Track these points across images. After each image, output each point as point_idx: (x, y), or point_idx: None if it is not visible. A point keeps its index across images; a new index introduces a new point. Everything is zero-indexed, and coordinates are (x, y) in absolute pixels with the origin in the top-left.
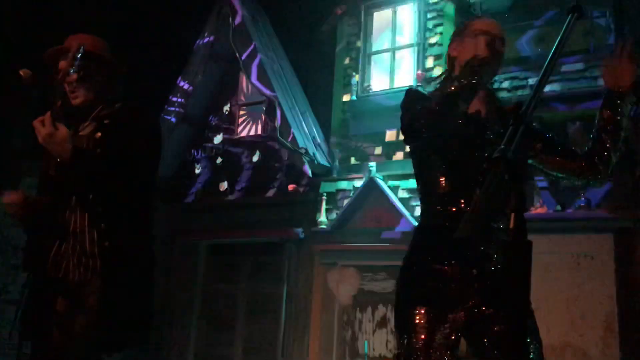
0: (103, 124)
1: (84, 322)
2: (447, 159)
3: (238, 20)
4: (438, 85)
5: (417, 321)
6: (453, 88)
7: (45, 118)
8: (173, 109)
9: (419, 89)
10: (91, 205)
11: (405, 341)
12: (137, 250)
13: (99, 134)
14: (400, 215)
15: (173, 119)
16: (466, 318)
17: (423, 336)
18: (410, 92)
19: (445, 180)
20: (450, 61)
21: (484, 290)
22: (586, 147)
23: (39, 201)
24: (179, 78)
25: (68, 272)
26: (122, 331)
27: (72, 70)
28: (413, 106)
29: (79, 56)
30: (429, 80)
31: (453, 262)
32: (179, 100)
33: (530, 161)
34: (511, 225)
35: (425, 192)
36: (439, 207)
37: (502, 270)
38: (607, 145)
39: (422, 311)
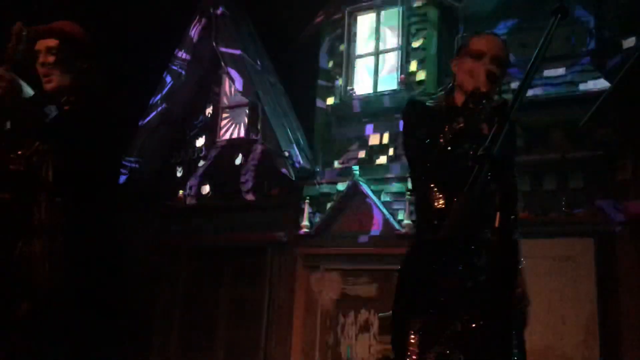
0: (62, 110)
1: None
2: (449, 179)
3: (220, 22)
4: (440, 97)
5: (413, 335)
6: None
7: None
8: (154, 110)
9: (419, 99)
10: (53, 199)
11: (401, 356)
12: (104, 244)
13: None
14: (383, 219)
15: (154, 121)
16: (462, 330)
17: (418, 351)
18: (414, 108)
19: (443, 195)
20: (453, 75)
21: (479, 302)
22: None
23: None
24: (161, 79)
25: (32, 272)
26: (87, 332)
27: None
28: (419, 136)
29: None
30: (412, 84)
31: (448, 274)
32: (161, 101)
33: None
34: (496, 225)
35: (422, 205)
36: (435, 222)
37: (489, 271)
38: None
39: (419, 325)
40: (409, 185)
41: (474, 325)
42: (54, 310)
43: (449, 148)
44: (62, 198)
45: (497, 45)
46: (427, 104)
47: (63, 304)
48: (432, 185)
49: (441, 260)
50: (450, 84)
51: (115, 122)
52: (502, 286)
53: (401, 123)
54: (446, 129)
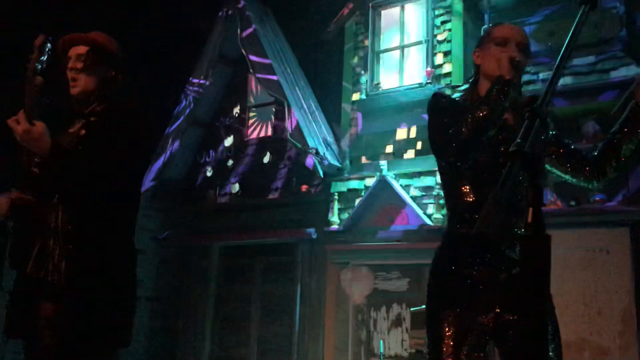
0: (90, 121)
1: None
2: (475, 170)
3: (245, 21)
4: (465, 92)
5: (446, 327)
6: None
7: (19, 115)
8: (183, 111)
9: (445, 92)
10: (71, 204)
11: (435, 347)
12: (115, 251)
13: (83, 131)
14: (412, 213)
15: (183, 122)
16: (494, 323)
17: (452, 342)
18: (438, 102)
19: (472, 188)
20: (475, 67)
21: (511, 294)
22: (594, 152)
23: (24, 200)
24: (188, 81)
25: (48, 273)
26: (97, 334)
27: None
28: (443, 127)
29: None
30: (438, 77)
31: (481, 267)
32: (189, 102)
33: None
34: (529, 220)
35: (453, 199)
36: (466, 215)
37: (522, 267)
38: (612, 164)
39: (452, 317)
40: (438, 179)
41: (507, 318)
42: (77, 308)
43: (473, 137)
44: (77, 203)
45: (520, 33)
46: (452, 97)
47: (84, 302)
48: (458, 178)
49: (473, 253)
50: (473, 77)
51: (140, 131)
52: (537, 283)
53: (427, 117)
54: (469, 119)
